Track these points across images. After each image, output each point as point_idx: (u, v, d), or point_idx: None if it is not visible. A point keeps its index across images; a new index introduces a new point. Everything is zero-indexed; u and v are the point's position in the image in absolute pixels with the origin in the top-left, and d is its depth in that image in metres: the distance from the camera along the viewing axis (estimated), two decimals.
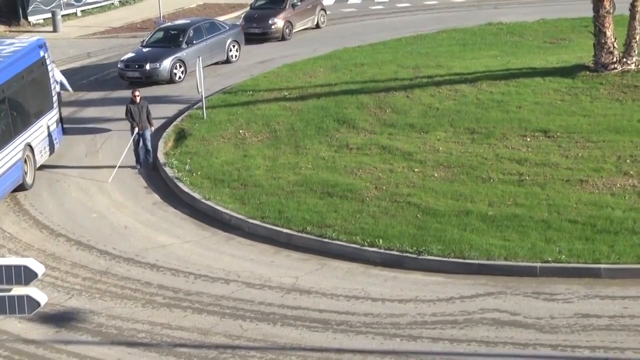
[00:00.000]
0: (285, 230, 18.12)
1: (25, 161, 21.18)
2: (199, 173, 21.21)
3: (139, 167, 22.18)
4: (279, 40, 34.53)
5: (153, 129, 22.59)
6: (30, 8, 40.66)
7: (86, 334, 14.93)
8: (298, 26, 35.63)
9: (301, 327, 14.72)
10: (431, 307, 15.10)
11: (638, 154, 19.84)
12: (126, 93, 28.74)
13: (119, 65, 29.99)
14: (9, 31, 39.31)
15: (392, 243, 16.99)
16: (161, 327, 14.98)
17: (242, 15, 36.11)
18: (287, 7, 35.41)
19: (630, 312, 14.51)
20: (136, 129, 21.96)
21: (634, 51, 23.96)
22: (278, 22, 34.78)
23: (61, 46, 35.24)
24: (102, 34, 38.92)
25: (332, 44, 32.58)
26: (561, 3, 37.11)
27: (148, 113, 22.19)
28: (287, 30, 34.96)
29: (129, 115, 22.09)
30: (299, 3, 35.82)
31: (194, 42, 30.52)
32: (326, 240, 17.51)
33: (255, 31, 34.26)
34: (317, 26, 36.56)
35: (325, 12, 37.28)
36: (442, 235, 17.10)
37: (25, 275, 9.03)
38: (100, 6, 43.61)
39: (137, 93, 22.27)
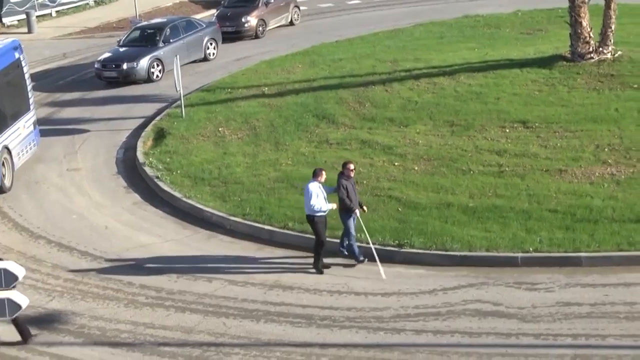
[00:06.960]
0: (266, 227, 18.10)
1: (3, 164, 21.03)
2: (178, 172, 21.13)
3: (365, 260, 16.50)
4: (253, 39, 34.39)
5: (366, 208, 16.94)
6: (4, 9, 40.34)
7: (68, 336, 14.86)
8: (272, 24, 35.44)
9: (285, 323, 14.71)
10: (414, 299, 15.13)
11: (616, 142, 19.95)
12: (104, 93, 28.68)
13: (95, 66, 29.83)
14: None
15: (374, 237, 17.00)
16: (144, 326, 14.93)
17: (215, 14, 35.84)
18: (260, 4, 35.15)
19: (610, 299, 14.60)
20: (357, 211, 16.38)
21: (610, 40, 24.05)
22: (251, 20, 34.57)
23: (36, 47, 35.00)
24: (77, 34, 38.68)
25: (310, 40, 32.52)
26: None
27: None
28: (260, 28, 34.78)
29: (346, 195, 16.24)
30: (272, 1, 35.58)
31: (171, 40, 30.41)
32: (308, 236, 17.49)
33: (229, 29, 33.95)
34: (291, 23, 36.41)
35: (299, 9, 37.10)
36: (424, 227, 17.14)
37: (6, 279, 9.00)
38: (76, 6, 43.33)
39: (351, 166, 16.47)
